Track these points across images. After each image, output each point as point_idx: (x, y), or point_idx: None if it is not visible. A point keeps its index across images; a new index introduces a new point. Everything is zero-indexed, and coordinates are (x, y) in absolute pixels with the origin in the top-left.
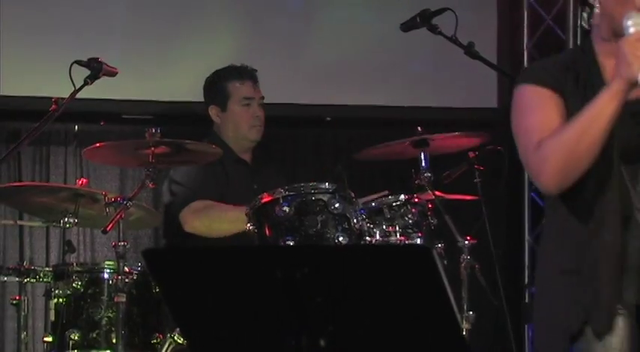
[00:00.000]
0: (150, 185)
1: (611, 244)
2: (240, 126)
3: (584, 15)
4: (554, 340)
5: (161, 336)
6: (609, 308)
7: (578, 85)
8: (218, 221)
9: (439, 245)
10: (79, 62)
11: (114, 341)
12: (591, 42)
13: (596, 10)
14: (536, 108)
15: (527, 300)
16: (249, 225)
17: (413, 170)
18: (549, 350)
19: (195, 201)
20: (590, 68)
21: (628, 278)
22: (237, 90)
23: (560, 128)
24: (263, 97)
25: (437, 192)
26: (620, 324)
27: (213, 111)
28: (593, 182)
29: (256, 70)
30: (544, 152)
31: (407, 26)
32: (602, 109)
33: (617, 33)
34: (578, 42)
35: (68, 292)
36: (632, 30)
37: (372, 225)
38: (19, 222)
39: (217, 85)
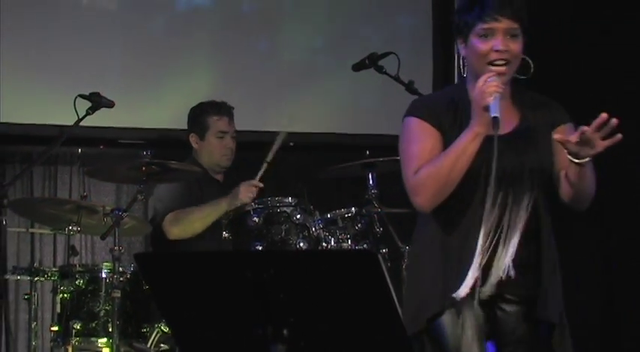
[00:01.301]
0: (141, 198)
1: (469, 249)
2: (213, 155)
3: (461, 63)
4: (418, 317)
5: (150, 326)
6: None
7: (456, 118)
8: (189, 223)
9: (384, 250)
10: (82, 95)
11: (110, 330)
12: (466, 83)
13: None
14: (417, 139)
15: None
16: (224, 232)
17: (362, 187)
18: (413, 323)
19: (168, 214)
20: (466, 106)
21: (484, 276)
22: (215, 123)
23: (434, 159)
24: (235, 131)
25: (382, 206)
26: (469, 311)
27: (192, 139)
28: (458, 202)
29: (233, 107)
30: (420, 177)
31: (357, 67)
32: (466, 147)
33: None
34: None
35: (72, 288)
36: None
37: (327, 233)
38: (30, 230)
39: (199, 117)
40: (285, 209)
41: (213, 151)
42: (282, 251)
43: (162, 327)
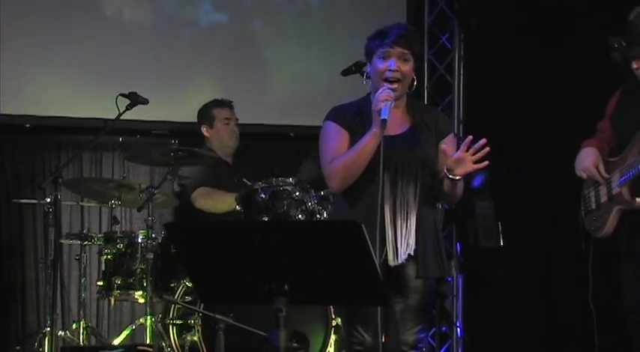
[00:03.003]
0: (170, 178)
1: (372, 220)
2: (223, 138)
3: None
4: None
5: (177, 282)
6: None
7: (362, 122)
8: (217, 202)
9: None
10: (122, 94)
11: (145, 284)
12: (370, 95)
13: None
14: (332, 137)
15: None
16: (237, 206)
17: None
18: None
19: (200, 188)
20: (369, 112)
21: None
22: (220, 113)
23: (344, 153)
24: (237, 119)
25: None
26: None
27: (204, 129)
28: (363, 184)
29: (232, 101)
30: (333, 166)
31: (345, 72)
32: (366, 145)
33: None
34: (461, 86)
35: (114, 251)
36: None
37: (321, 207)
38: (80, 203)
39: (207, 111)
40: (286, 187)
41: (222, 135)
42: (284, 221)
43: (186, 283)
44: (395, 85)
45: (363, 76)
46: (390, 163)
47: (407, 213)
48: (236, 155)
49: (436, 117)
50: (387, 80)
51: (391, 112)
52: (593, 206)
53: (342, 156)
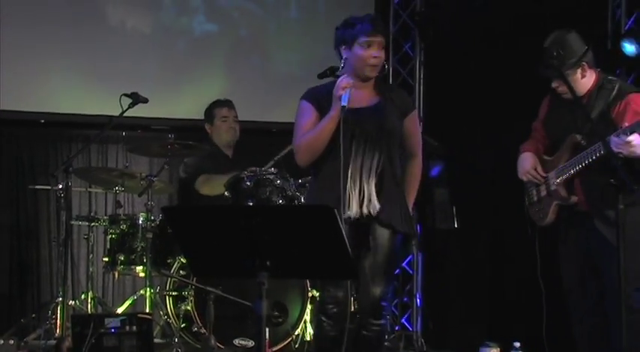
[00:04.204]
0: (167, 168)
1: (338, 185)
2: (221, 133)
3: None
4: None
5: (173, 258)
6: None
7: (330, 104)
8: (215, 186)
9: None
10: (125, 94)
11: (145, 260)
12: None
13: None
14: (303, 116)
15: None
16: (226, 192)
17: None
18: None
19: (201, 176)
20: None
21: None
22: (218, 112)
23: (310, 130)
24: (236, 116)
25: None
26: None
27: (207, 126)
28: (328, 158)
29: (230, 100)
30: (300, 142)
31: (321, 75)
32: (327, 124)
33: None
34: (422, 88)
35: (117, 231)
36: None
37: (298, 193)
38: (88, 190)
39: (208, 111)
40: (269, 176)
41: (221, 130)
42: (266, 205)
43: (181, 259)
44: (375, 68)
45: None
46: (357, 132)
47: (368, 177)
48: (235, 149)
49: (400, 95)
50: (369, 65)
51: (361, 89)
52: (535, 199)
53: (308, 133)
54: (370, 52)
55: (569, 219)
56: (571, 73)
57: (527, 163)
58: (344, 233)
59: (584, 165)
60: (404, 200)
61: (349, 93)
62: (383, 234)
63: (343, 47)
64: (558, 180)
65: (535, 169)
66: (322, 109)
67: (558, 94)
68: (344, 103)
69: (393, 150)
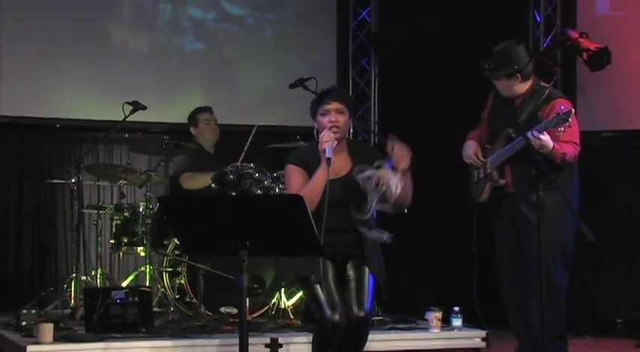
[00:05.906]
0: (162, 164)
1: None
2: (205, 134)
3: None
4: None
5: (168, 240)
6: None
7: (315, 160)
8: (196, 182)
9: None
10: (127, 102)
11: (145, 242)
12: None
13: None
14: (292, 178)
15: None
16: (212, 184)
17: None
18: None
19: (184, 173)
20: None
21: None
22: (202, 116)
23: (306, 185)
24: (216, 120)
25: None
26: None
27: (192, 129)
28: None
29: (211, 107)
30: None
31: (292, 85)
32: (318, 178)
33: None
34: (377, 96)
35: (122, 218)
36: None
37: (274, 185)
38: (97, 183)
39: (193, 116)
40: (249, 170)
41: (204, 132)
42: (246, 195)
43: (175, 241)
44: (335, 135)
45: (305, 88)
46: (330, 200)
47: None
48: (217, 147)
49: (370, 152)
50: (329, 129)
51: (335, 155)
52: (475, 179)
53: (302, 189)
54: (327, 118)
55: (500, 199)
56: (508, 78)
57: (469, 149)
58: (311, 218)
59: (511, 154)
60: (374, 246)
61: (332, 146)
62: (352, 267)
63: (314, 120)
64: (492, 165)
65: (476, 155)
66: (308, 166)
67: (499, 94)
68: (329, 155)
69: (359, 214)
